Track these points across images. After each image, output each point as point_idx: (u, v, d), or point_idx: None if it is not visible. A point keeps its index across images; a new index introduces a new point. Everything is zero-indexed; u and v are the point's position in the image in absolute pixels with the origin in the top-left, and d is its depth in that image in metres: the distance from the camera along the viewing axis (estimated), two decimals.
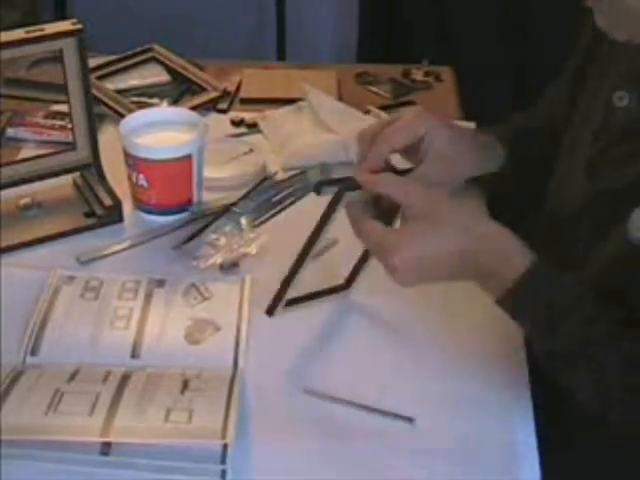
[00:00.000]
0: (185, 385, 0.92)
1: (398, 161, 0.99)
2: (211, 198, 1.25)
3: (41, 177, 1.21)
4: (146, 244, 1.17)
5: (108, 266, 1.13)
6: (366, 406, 0.92)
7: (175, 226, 1.20)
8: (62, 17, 2.50)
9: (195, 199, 1.23)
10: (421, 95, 1.56)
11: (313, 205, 0.93)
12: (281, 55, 2.56)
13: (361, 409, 0.92)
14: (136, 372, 0.95)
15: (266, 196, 1.25)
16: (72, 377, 0.93)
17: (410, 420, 0.91)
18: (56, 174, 1.22)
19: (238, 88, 1.57)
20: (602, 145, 0.94)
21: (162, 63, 1.58)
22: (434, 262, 0.88)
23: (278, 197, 1.25)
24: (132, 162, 1.20)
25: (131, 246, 1.17)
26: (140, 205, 1.23)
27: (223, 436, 0.85)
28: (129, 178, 1.22)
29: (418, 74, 1.63)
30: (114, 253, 1.15)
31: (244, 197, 1.24)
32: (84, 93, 1.17)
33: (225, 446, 0.84)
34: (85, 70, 1.14)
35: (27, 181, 1.20)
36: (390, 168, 0.96)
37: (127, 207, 1.23)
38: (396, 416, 0.91)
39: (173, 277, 1.10)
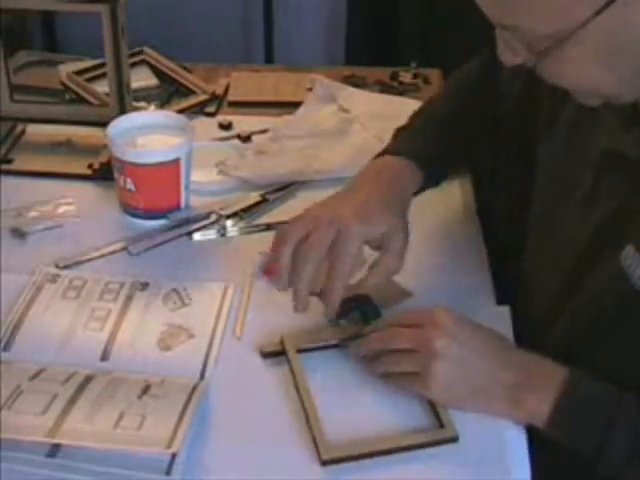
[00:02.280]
0: (145, 391, 0.90)
1: None
2: (199, 202, 1.25)
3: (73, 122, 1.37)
4: (133, 248, 1.16)
5: (94, 270, 1.12)
6: None
7: (163, 230, 1.20)
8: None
9: (183, 203, 1.23)
10: (409, 97, 1.56)
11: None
12: (269, 58, 2.56)
13: None
14: (100, 375, 0.93)
15: (259, 217, 1.23)
16: (35, 375, 0.92)
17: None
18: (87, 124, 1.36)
19: (226, 91, 1.57)
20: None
21: (152, 66, 1.58)
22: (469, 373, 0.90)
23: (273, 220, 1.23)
24: (120, 166, 1.19)
25: (120, 249, 1.16)
26: (128, 209, 1.22)
27: (169, 445, 0.82)
28: (117, 182, 1.21)
29: (406, 77, 1.63)
30: (98, 257, 1.14)
31: (236, 214, 1.22)
32: (115, 56, 1.26)
33: (173, 456, 0.82)
34: (117, 34, 1.25)
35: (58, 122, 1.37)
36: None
37: (114, 211, 1.23)
38: None
39: (158, 281, 1.10)
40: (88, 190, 1.29)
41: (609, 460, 0.86)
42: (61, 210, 1.23)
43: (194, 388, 0.91)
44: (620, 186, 0.91)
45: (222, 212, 1.22)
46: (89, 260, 1.14)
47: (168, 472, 0.82)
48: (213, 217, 1.21)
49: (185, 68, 1.59)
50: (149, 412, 0.87)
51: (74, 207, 1.23)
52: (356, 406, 0.93)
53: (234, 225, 1.21)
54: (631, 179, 0.89)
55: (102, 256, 1.15)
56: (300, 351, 0.97)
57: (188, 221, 1.21)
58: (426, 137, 1.12)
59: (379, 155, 1.10)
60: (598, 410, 0.87)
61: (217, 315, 1.05)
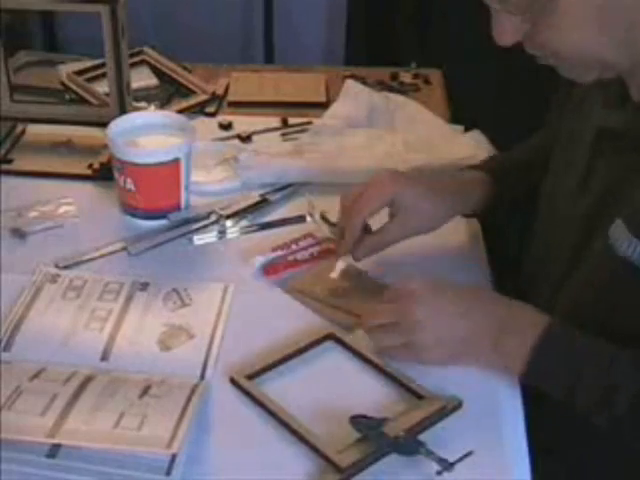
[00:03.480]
0: (145, 391, 0.90)
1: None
2: (199, 202, 1.25)
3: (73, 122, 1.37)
4: (133, 248, 1.16)
5: (94, 269, 1.12)
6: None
7: (163, 230, 1.20)
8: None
9: (183, 203, 1.23)
10: (409, 97, 1.56)
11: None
12: (269, 58, 2.56)
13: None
14: (100, 375, 0.93)
15: (259, 217, 1.23)
16: (36, 375, 0.92)
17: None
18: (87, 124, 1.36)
19: (226, 91, 1.57)
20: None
21: (152, 66, 1.58)
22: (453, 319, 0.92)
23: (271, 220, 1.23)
24: (120, 166, 1.19)
25: (120, 249, 1.16)
26: (128, 209, 1.22)
27: (169, 446, 0.82)
28: (117, 182, 1.21)
29: (406, 77, 1.63)
30: (98, 257, 1.14)
31: (236, 214, 1.22)
32: (115, 56, 1.27)
33: (173, 457, 0.82)
34: (117, 34, 1.25)
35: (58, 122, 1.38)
36: (367, 230, 1.08)
37: (114, 211, 1.23)
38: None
39: (158, 281, 1.09)
40: (88, 190, 1.29)
41: (580, 405, 0.88)
42: (61, 210, 1.23)
43: (194, 388, 0.91)
44: (612, 163, 0.92)
45: (222, 212, 1.22)
46: (89, 260, 1.14)
47: (168, 472, 0.82)
48: (213, 217, 1.21)
49: (185, 68, 1.59)
50: (149, 412, 0.87)
51: (74, 207, 1.23)
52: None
53: (234, 225, 1.21)
54: (622, 155, 0.91)
55: (102, 256, 1.15)
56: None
57: (188, 221, 1.21)
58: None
59: None
60: (570, 356, 0.89)
61: (217, 315, 1.05)
